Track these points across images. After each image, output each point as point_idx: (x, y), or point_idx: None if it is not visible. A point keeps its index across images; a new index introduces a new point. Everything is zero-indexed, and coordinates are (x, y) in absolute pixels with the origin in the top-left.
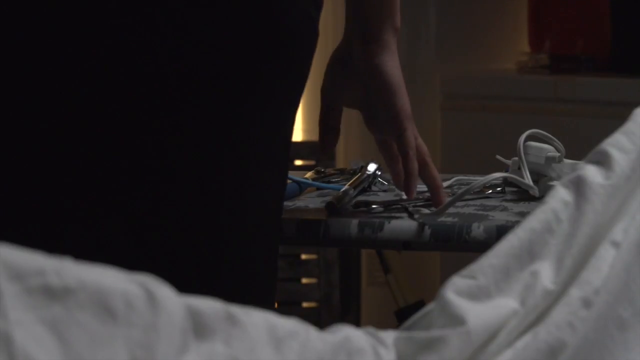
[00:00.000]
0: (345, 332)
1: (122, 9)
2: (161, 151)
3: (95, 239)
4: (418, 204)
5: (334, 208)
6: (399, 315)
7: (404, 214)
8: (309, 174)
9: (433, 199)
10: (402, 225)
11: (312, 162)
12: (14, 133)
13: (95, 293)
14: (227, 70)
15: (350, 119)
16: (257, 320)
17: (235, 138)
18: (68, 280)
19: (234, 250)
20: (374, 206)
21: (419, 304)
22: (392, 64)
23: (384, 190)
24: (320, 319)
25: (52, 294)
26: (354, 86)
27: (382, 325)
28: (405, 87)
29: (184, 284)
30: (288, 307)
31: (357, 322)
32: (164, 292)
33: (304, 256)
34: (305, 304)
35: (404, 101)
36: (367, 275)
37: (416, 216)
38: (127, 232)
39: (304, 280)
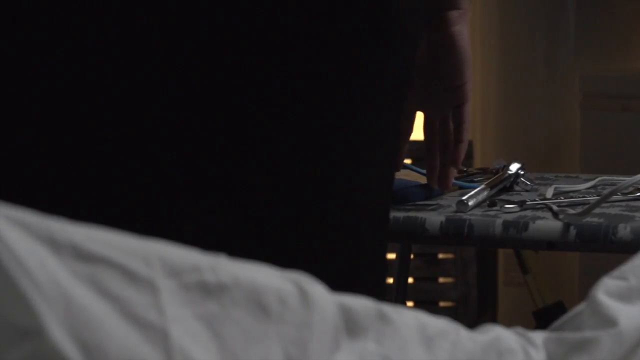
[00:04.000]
0: (496, 332)
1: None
2: (271, 143)
3: (209, 234)
4: (562, 204)
5: (466, 206)
6: (538, 315)
7: (548, 214)
8: None
9: (441, 174)
10: (547, 225)
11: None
12: (126, 127)
13: (250, 290)
14: (334, 58)
15: (487, 119)
16: (408, 319)
17: (344, 131)
18: (223, 277)
19: (344, 243)
20: (507, 206)
21: (558, 305)
22: (465, 34)
23: (527, 190)
24: (457, 319)
25: (208, 290)
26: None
27: (520, 325)
28: None
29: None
30: (425, 307)
31: (493, 322)
32: (317, 289)
33: (441, 255)
34: (442, 304)
35: (471, 72)
36: (504, 275)
37: (561, 216)
38: (240, 226)
39: (441, 280)
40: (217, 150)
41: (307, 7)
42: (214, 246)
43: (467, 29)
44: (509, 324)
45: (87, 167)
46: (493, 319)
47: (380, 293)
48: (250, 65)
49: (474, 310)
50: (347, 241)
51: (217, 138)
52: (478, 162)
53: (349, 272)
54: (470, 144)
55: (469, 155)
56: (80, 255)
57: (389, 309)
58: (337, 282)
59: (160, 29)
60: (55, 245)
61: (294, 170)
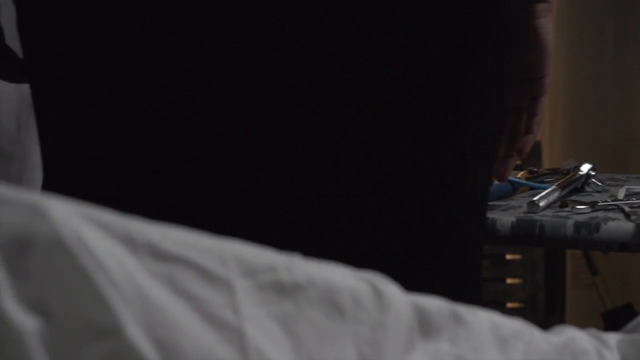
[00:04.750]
0: (569, 333)
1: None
2: (377, 148)
3: (322, 239)
4: (634, 205)
5: (537, 207)
6: (607, 317)
7: (619, 215)
8: (521, 174)
9: (501, 164)
10: (619, 226)
11: (518, 162)
12: (238, 130)
13: (324, 289)
14: (445, 62)
15: (556, 120)
16: (482, 319)
17: (449, 133)
18: (298, 277)
19: (449, 247)
20: (579, 207)
21: (627, 307)
22: (550, 27)
23: (598, 191)
24: (525, 320)
25: (283, 289)
26: None
27: (588, 327)
28: None
29: (403, 283)
30: (492, 307)
31: (561, 324)
32: (391, 289)
33: (508, 256)
34: (509, 304)
35: (551, 66)
36: (573, 276)
37: (633, 217)
38: (351, 232)
39: (509, 281)
40: (327, 156)
41: (418, 9)
42: (325, 255)
43: (552, 22)
44: (577, 325)
45: (192, 173)
46: (561, 321)
47: (479, 300)
48: (361, 70)
49: (541, 312)
50: (454, 247)
51: (327, 143)
52: (546, 163)
53: (454, 280)
54: (539, 144)
55: (537, 156)
56: (157, 254)
57: (463, 310)
58: (444, 288)
59: (291, 31)
60: (132, 244)
61: (404, 177)
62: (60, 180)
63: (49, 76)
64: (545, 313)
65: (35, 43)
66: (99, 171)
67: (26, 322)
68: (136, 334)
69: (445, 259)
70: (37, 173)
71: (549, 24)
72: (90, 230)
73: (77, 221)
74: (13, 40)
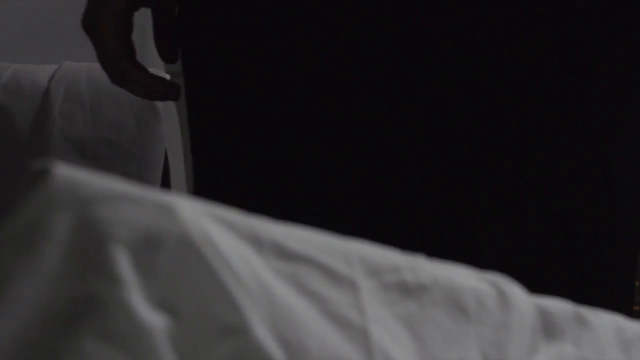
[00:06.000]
0: None
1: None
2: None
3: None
4: None
5: None
6: None
7: None
8: None
9: None
10: None
11: None
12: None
13: (449, 291)
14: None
15: None
16: (606, 322)
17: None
18: (422, 277)
19: (625, 249)
20: None
21: None
22: None
23: None
24: None
25: (407, 290)
26: None
27: None
28: None
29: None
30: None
31: None
32: (515, 291)
33: None
34: (637, 308)
35: None
36: None
37: None
38: (542, 234)
39: (637, 283)
40: (524, 162)
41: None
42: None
43: None
44: None
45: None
46: None
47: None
48: (540, 67)
49: None
50: (624, 251)
51: (521, 145)
52: None
53: (626, 281)
54: None
55: None
56: (283, 253)
57: (587, 312)
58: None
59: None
60: (258, 243)
61: (588, 179)
62: (212, 180)
63: (206, 76)
64: None
65: (195, 41)
66: (254, 173)
67: (155, 320)
68: (263, 333)
69: (625, 264)
70: (156, 172)
71: None
72: (217, 229)
73: (205, 220)
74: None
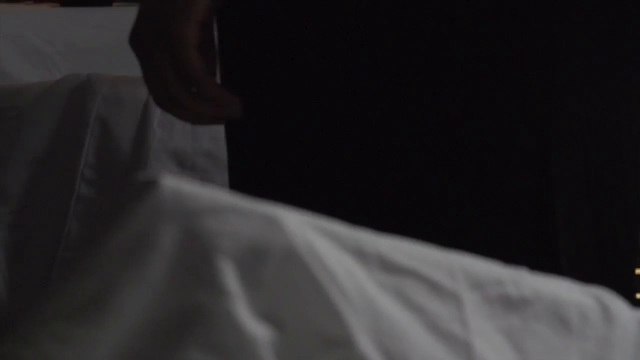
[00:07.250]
0: None
1: None
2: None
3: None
4: None
5: None
6: None
7: None
8: None
9: None
10: None
11: None
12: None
13: (551, 304)
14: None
15: None
16: None
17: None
18: (525, 291)
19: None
20: None
21: None
22: None
23: None
24: None
25: (510, 303)
26: None
27: None
28: None
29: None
30: None
31: None
32: (618, 305)
33: None
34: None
35: None
36: None
37: None
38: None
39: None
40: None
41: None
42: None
43: None
44: None
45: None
46: None
47: None
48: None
49: None
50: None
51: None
52: None
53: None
54: None
55: None
56: (387, 266)
57: None
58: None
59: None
60: (362, 256)
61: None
62: (246, 181)
63: (241, 78)
64: None
65: (231, 43)
66: (287, 173)
67: (259, 331)
68: (366, 345)
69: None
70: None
71: None
72: (321, 241)
73: (310, 232)
74: None
